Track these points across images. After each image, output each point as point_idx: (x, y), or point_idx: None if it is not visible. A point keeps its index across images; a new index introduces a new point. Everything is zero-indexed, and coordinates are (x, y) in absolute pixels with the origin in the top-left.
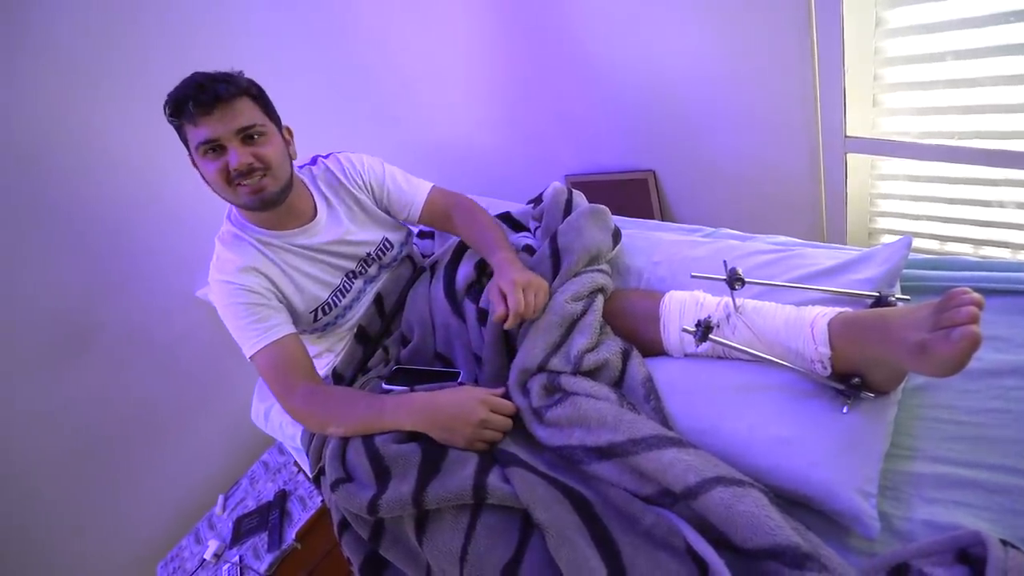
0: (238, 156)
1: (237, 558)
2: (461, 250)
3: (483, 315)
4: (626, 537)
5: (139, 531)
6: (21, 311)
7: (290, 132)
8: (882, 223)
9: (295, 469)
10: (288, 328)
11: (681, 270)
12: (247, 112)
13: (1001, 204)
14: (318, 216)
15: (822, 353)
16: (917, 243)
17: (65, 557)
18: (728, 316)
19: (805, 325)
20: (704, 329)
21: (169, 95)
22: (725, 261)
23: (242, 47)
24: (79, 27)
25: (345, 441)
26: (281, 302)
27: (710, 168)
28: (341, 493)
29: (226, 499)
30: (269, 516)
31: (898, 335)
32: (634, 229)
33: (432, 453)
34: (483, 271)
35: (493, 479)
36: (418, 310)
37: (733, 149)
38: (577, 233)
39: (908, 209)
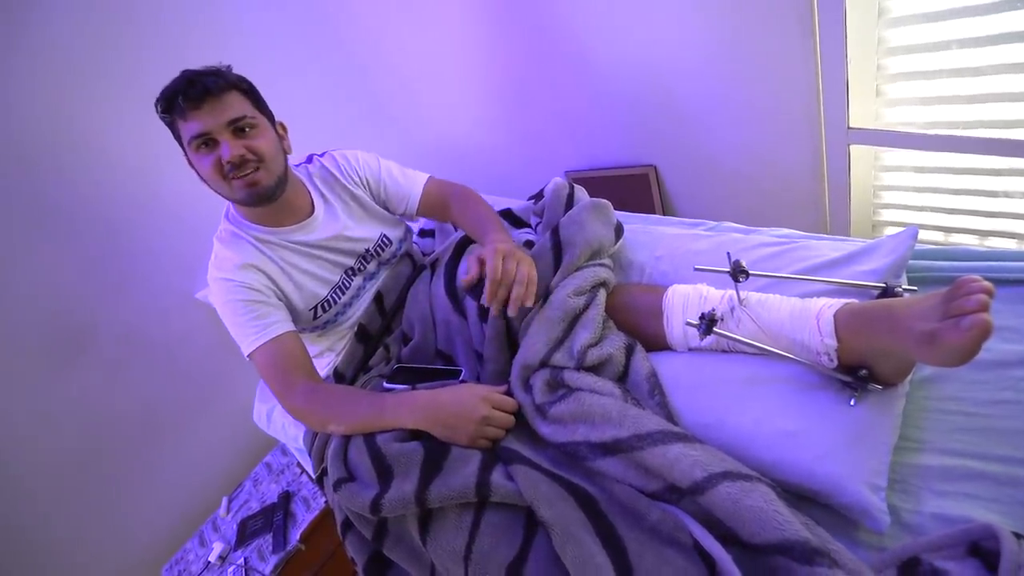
0: (230, 148)
1: (242, 560)
2: (462, 247)
3: (484, 312)
4: (632, 533)
5: (143, 534)
6: (19, 312)
7: (284, 127)
8: (886, 215)
9: (298, 470)
10: (287, 326)
11: (684, 264)
12: (237, 105)
13: (1007, 194)
14: (315, 213)
15: (828, 345)
16: (922, 235)
17: (68, 562)
18: (732, 309)
19: (811, 317)
20: (708, 322)
21: (161, 92)
22: (728, 253)
23: (238, 47)
24: (75, 27)
25: (347, 440)
26: (280, 300)
27: (711, 162)
28: (343, 493)
29: (230, 501)
30: (273, 518)
31: (906, 325)
32: (636, 223)
33: (434, 451)
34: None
35: (496, 477)
36: (419, 308)
37: (734, 142)
38: (579, 227)
39: (912, 200)
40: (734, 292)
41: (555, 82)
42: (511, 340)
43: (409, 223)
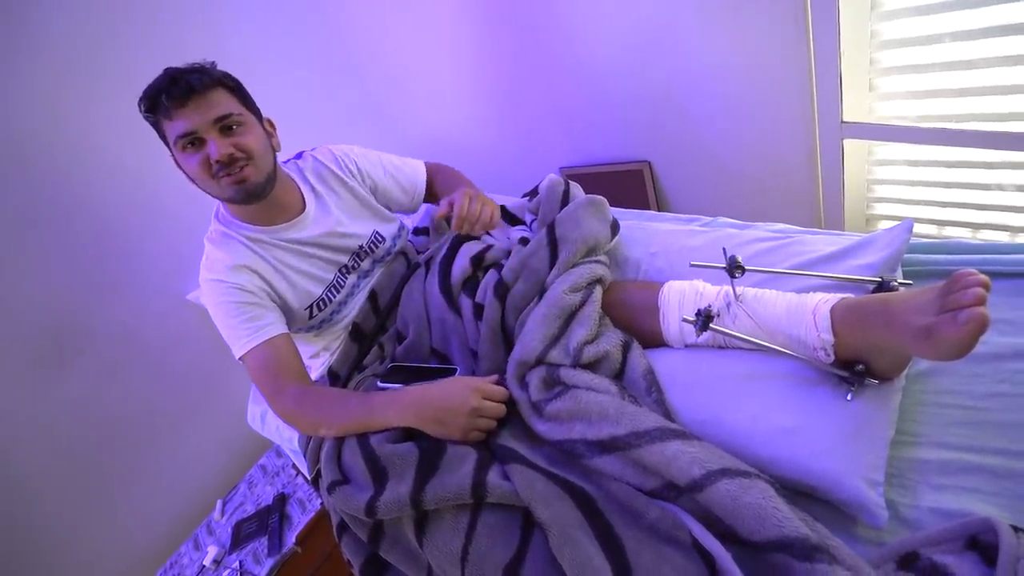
0: (218, 147)
1: (237, 563)
2: (456, 245)
3: (479, 310)
4: (630, 532)
5: (137, 538)
6: (11, 315)
7: (272, 124)
8: (879, 209)
9: (293, 472)
10: (280, 328)
11: (679, 260)
12: (223, 102)
13: (1000, 187)
14: (307, 209)
15: (825, 340)
16: (915, 228)
17: (61, 567)
18: (728, 305)
19: (807, 312)
20: (704, 319)
21: (144, 91)
22: (724, 249)
23: (233, 46)
24: (69, 27)
25: (341, 442)
26: (274, 300)
27: (706, 157)
28: (338, 495)
29: (224, 504)
30: (268, 520)
31: (902, 319)
32: (631, 220)
33: (429, 452)
34: (479, 265)
35: (492, 477)
36: (413, 306)
37: (729, 137)
38: (575, 223)
39: (905, 194)
40: (730, 288)
41: (549, 78)
42: (506, 338)
43: (403, 220)
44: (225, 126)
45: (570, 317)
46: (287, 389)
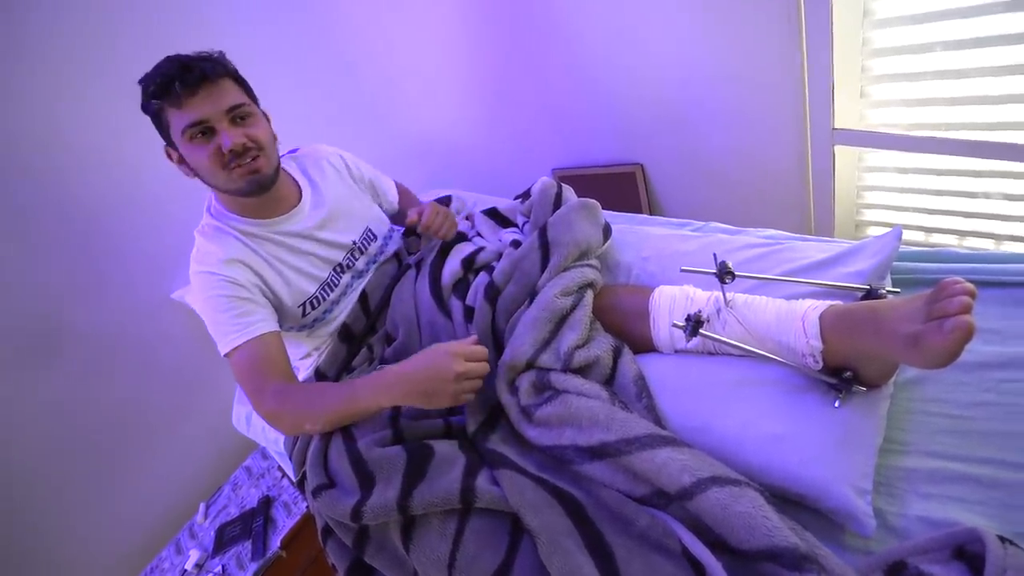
0: (231, 137)
1: (220, 568)
2: (447, 247)
3: (470, 312)
4: (619, 540)
5: (117, 542)
6: None
7: (268, 117)
8: (869, 215)
9: (279, 474)
10: (271, 326)
11: (671, 265)
12: (233, 92)
13: (986, 195)
14: (303, 200)
15: (814, 347)
16: (903, 235)
17: (37, 571)
18: (719, 310)
19: (796, 319)
20: (694, 324)
21: (147, 77)
22: (715, 254)
23: (226, 46)
24: (53, 23)
25: (327, 445)
26: (267, 296)
27: (698, 161)
28: (323, 500)
29: (208, 507)
30: (253, 523)
31: (890, 327)
32: (623, 224)
33: (417, 456)
34: (469, 268)
35: (481, 482)
36: (403, 308)
37: (721, 142)
38: (567, 227)
39: (894, 201)
40: (720, 293)
41: (542, 79)
42: (497, 341)
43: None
44: (236, 116)
45: (561, 321)
46: (268, 388)
